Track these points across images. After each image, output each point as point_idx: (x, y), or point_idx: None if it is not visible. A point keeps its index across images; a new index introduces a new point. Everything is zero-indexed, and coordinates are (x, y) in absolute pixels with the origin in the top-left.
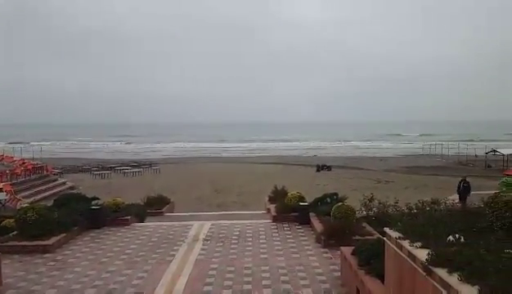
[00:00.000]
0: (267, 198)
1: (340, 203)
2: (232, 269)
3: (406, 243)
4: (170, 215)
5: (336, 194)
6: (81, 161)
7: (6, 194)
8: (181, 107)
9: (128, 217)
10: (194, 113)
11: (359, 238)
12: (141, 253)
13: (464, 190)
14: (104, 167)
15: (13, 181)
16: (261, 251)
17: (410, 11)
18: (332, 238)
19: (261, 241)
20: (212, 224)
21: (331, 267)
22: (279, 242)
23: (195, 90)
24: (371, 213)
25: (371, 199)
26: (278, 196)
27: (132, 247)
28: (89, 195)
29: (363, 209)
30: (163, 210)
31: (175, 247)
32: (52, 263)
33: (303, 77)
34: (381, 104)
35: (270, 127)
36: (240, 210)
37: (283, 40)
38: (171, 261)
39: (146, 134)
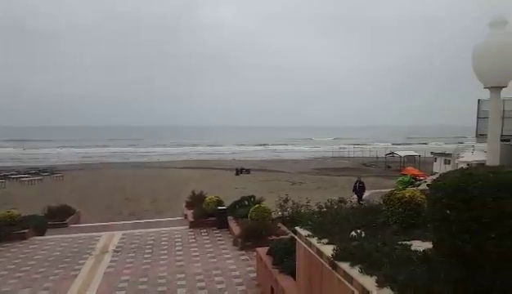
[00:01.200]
0: (184, 204)
1: (257, 205)
2: (145, 279)
3: (314, 240)
4: (75, 226)
5: (253, 197)
6: None
7: None
8: (87, 109)
9: (26, 230)
10: (101, 116)
11: (274, 238)
12: (40, 269)
13: (359, 189)
14: None
15: None
16: (177, 258)
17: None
18: (249, 240)
19: (177, 248)
20: (123, 234)
21: (248, 269)
22: (196, 248)
23: (101, 93)
24: (286, 213)
25: (286, 200)
26: (196, 201)
27: (30, 263)
28: None
29: (278, 210)
30: (67, 221)
31: (80, 261)
32: None
33: (219, 82)
34: (296, 109)
35: (187, 131)
36: (155, 217)
37: (203, 42)
38: (76, 276)
39: (42, 138)
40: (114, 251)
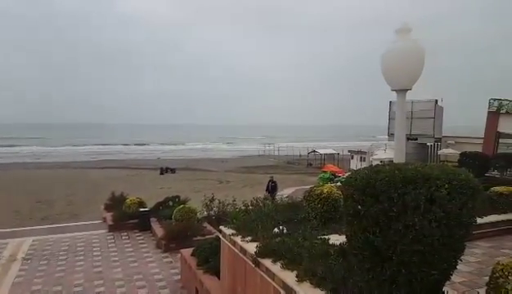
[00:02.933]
0: (102, 207)
1: (182, 206)
2: (59, 288)
3: (238, 239)
4: None
5: (178, 197)
6: None
7: None
8: None
9: None
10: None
11: (200, 238)
12: None
13: (272, 189)
14: None
15: None
16: (94, 264)
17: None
18: (173, 242)
19: (94, 254)
20: (34, 241)
21: (172, 271)
22: (115, 253)
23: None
24: (212, 213)
25: (212, 199)
26: (116, 203)
27: None
28: None
29: (204, 209)
30: None
31: None
32: None
33: (135, 78)
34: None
35: (103, 129)
36: (71, 222)
37: (115, 37)
38: None
39: None
40: (24, 259)
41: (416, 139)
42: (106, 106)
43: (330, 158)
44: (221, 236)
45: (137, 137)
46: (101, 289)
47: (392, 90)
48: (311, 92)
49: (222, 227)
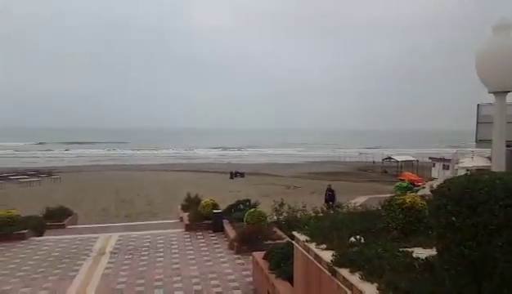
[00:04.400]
0: (179, 207)
1: (253, 209)
2: (142, 281)
3: (312, 246)
4: (73, 227)
5: (249, 200)
6: None
7: None
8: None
9: (25, 231)
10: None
11: (270, 242)
12: (40, 270)
13: (329, 198)
14: None
15: None
16: (173, 261)
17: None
18: (244, 244)
19: (173, 251)
20: (120, 236)
21: (244, 273)
22: (192, 251)
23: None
24: (282, 218)
25: (281, 204)
26: (191, 204)
27: (29, 263)
28: None
29: (274, 214)
30: (65, 222)
31: (79, 262)
32: None
33: (207, 85)
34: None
35: (178, 135)
36: (151, 220)
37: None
38: (74, 277)
39: (34, 140)
40: (112, 253)
41: (510, 146)
42: (183, 112)
43: (408, 165)
44: (294, 242)
45: (208, 142)
46: (179, 285)
47: (490, 92)
48: (374, 94)
49: (295, 233)
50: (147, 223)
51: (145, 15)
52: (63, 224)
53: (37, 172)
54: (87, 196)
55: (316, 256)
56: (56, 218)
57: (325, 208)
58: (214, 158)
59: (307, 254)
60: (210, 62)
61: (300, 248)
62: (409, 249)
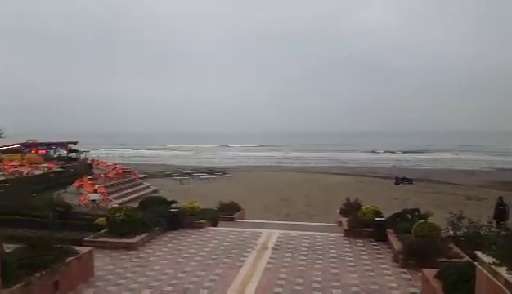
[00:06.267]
0: (338, 211)
1: (423, 220)
2: (301, 281)
3: (502, 271)
4: (240, 221)
5: (418, 210)
6: (162, 167)
7: (100, 195)
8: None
9: (203, 221)
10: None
11: (444, 260)
12: (213, 257)
13: (500, 213)
14: (182, 173)
15: (106, 184)
16: (331, 265)
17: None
18: (412, 258)
19: (331, 255)
20: (280, 234)
21: (410, 289)
22: (351, 258)
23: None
24: (460, 233)
25: (460, 218)
26: (351, 209)
27: (205, 249)
28: (169, 199)
29: (450, 228)
30: (235, 216)
31: (245, 254)
32: (136, 260)
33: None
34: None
35: (329, 137)
36: (309, 221)
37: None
38: (241, 267)
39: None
40: (273, 248)
41: None
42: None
43: None
44: (477, 263)
45: (371, 145)
46: (338, 291)
47: None
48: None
49: (478, 253)
50: (305, 224)
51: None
52: (233, 218)
53: (213, 171)
54: (251, 193)
55: (507, 283)
56: (228, 212)
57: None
58: (377, 160)
59: (494, 279)
60: None
61: (485, 271)
62: None
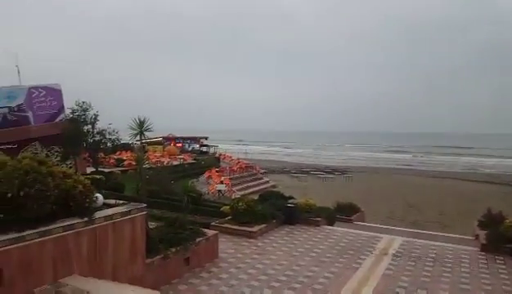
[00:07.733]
0: (476, 223)
1: None
2: (424, 292)
3: None
4: (359, 224)
5: None
6: (279, 163)
7: (225, 186)
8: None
9: (319, 219)
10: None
11: None
12: (328, 255)
13: None
14: (300, 171)
15: (231, 176)
16: (461, 280)
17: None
18: None
19: (462, 269)
20: (404, 241)
21: None
22: (487, 275)
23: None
24: None
25: None
26: (491, 222)
27: (320, 247)
28: (286, 194)
29: None
30: (353, 218)
31: (362, 257)
32: (254, 247)
33: None
34: None
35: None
36: (440, 231)
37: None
38: (357, 269)
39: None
40: (394, 255)
41: None
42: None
43: None
44: None
45: None
46: None
47: None
48: None
49: None
50: (434, 233)
51: None
52: (351, 219)
53: (332, 170)
54: (374, 196)
55: None
56: (345, 212)
57: None
58: None
59: None
60: None
61: None
62: None
